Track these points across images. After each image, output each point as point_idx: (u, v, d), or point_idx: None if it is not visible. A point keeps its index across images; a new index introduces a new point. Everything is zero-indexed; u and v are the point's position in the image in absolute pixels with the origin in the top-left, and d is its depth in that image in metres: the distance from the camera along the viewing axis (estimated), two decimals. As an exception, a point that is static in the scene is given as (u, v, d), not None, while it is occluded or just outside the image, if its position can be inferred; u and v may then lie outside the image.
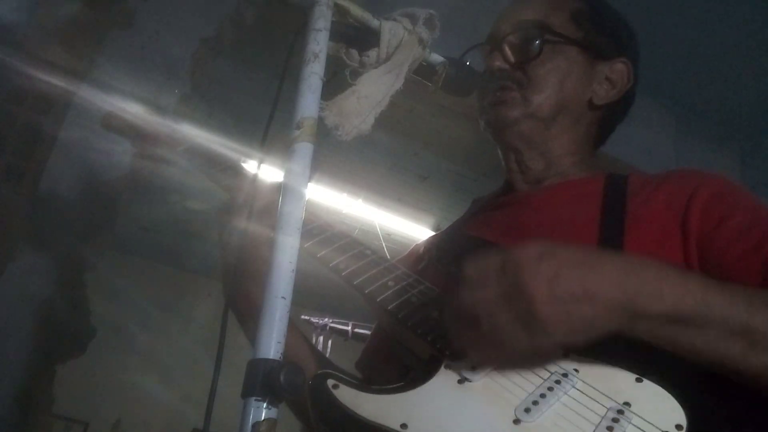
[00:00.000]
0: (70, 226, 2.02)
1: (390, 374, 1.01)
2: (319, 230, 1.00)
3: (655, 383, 0.73)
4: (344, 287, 0.95)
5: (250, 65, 3.10)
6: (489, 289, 0.71)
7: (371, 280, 0.91)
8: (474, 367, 0.79)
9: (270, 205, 0.86)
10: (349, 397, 0.77)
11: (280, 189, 0.79)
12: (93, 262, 2.08)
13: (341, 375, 0.81)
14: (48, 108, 2.02)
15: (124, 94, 1.93)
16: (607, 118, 1.16)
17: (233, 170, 1.11)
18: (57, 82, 1.96)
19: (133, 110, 1.25)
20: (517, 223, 1.04)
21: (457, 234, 1.12)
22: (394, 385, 0.80)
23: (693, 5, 2.91)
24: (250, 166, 1.11)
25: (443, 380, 0.79)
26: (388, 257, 0.97)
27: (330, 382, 0.79)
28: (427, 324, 0.84)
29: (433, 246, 1.11)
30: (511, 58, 1.09)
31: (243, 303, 1.02)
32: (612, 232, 0.94)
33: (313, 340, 3.81)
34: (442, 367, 0.80)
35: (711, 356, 0.73)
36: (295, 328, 1.05)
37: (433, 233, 1.30)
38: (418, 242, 1.26)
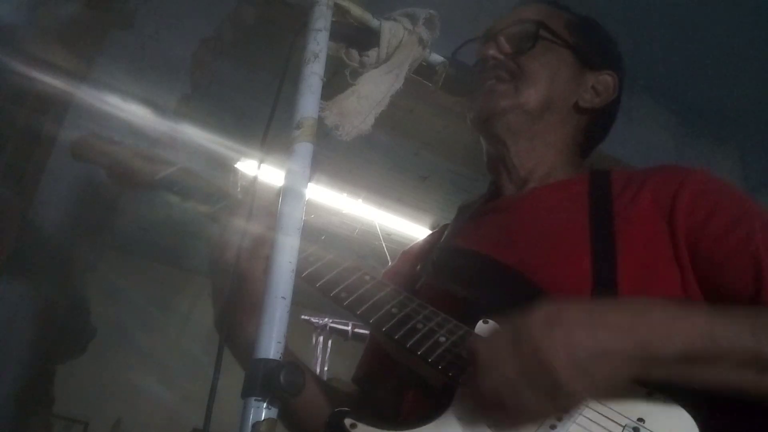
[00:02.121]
0: (70, 226, 2.02)
1: (387, 394, 1.01)
2: (315, 257, 0.98)
3: (666, 396, 0.74)
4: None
5: (250, 65, 3.09)
6: (508, 369, 0.72)
7: (374, 308, 0.90)
8: None
9: (265, 238, 0.86)
10: None
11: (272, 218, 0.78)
12: (93, 262, 2.07)
13: (357, 411, 0.81)
14: (48, 108, 2.01)
15: (124, 94, 1.93)
16: (592, 127, 1.17)
17: (214, 197, 1.09)
18: (57, 82, 1.95)
19: (110, 132, 1.21)
20: (506, 232, 1.04)
21: (449, 247, 1.11)
22: (411, 419, 0.81)
23: (694, 5, 2.91)
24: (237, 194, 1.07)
25: (460, 410, 0.78)
26: (387, 282, 0.95)
27: (347, 421, 0.79)
28: (437, 351, 0.83)
29: (428, 261, 1.10)
30: (506, 48, 1.12)
31: (237, 337, 0.99)
32: (603, 239, 0.94)
33: (313, 340, 3.81)
34: (457, 395, 0.80)
35: (725, 387, 0.73)
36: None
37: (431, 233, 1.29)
38: (408, 249, 1.25)
